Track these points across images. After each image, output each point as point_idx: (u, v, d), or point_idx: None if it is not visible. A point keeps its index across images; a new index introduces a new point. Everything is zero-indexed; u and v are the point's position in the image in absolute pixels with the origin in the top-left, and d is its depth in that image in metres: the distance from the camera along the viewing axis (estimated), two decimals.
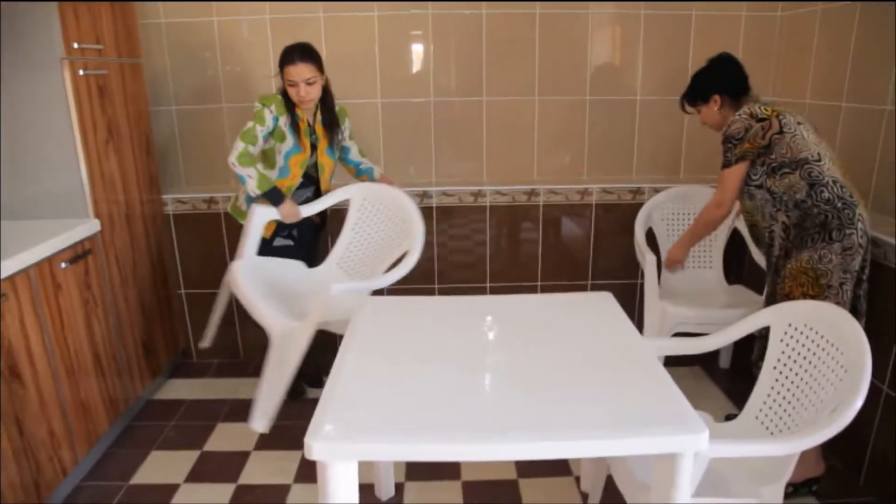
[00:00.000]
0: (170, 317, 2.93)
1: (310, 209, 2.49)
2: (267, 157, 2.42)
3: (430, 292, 3.04)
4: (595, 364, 1.52)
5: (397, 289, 3.02)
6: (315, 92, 2.33)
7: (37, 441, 1.94)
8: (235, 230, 2.92)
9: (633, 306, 3.08)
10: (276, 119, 2.34)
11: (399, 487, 2.15)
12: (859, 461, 2.12)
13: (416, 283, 3.01)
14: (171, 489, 2.16)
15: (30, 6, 2.07)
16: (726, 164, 2.08)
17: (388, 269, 2.41)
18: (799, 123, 2.01)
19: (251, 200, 2.44)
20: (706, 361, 2.96)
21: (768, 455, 1.43)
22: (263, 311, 2.17)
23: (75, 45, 2.18)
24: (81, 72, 2.21)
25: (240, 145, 2.29)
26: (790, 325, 1.67)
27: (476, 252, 3.03)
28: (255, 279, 2.28)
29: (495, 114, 2.99)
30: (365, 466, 2.21)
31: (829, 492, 2.07)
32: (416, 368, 1.50)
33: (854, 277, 1.92)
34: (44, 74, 2.13)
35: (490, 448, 1.21)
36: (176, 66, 2.90)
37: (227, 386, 2.90)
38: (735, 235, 2.84)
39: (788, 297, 1.97)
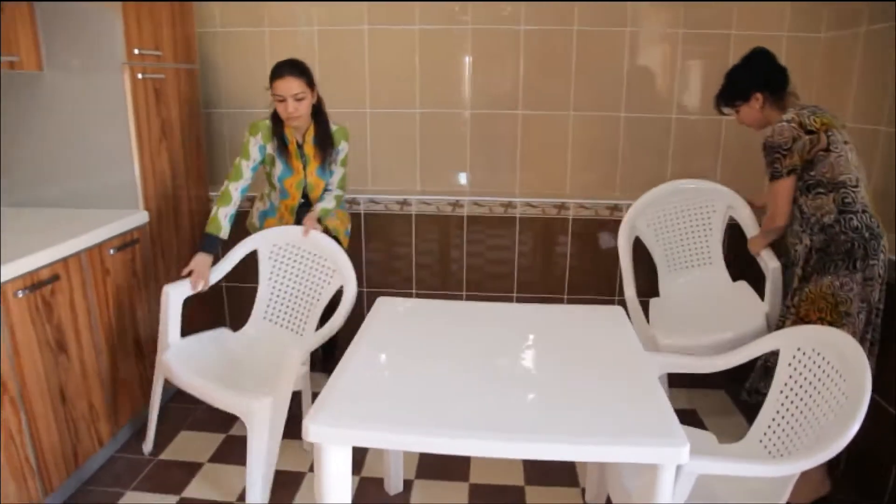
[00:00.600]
0: (210, 306, 3.09)
1: (217, 271, 2.38)
2: (270, 180, 2.50)
3: (458, 300, 3.11)
4: (593, 373, 1.56)
5: (424, 293, 3.11)
6: (303, 109, 2.29)
7: (77, 412, 2.11)
8: None
9: None
10: (262, 149, 2.37)
11: (408, 484, 2.22)
12: (880, 493, 2.06)
13: (444, 290, 3.09)
14: (196, 467, 2.30)
15: (98, 14, 2.27)
16: (776, 176, 2.00)
17: (327, 308, 2.33)
18: (845, 143, 1.97)
19: (263, 218, 2.57)
20: (732, 384, 2.91)
21: (752, 475, 1.44)
22: (224, 395, 1.97)
23: (136, 52, 2.36)
24: (140, 76, 2.40)
25: (226, 181, 2.36)
26: (799, 349, 1.66)
27: (504, 263, 3.08)
28: (190, 365, 2.12)
29: (530, 128, 3.05)
30: (377, 461, 2.30)
31: None
32: (421, 366, 1.58)
33: (870, 307, 1.88)
34: (106, 77, 2.33)
35: (473, 444, 1.27)
36: (229, 71, 3.08)
37: None
38: (734, 228, 2.66)
39: (804, 320, 1.94)
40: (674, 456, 1.23)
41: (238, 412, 1.96)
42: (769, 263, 2.27)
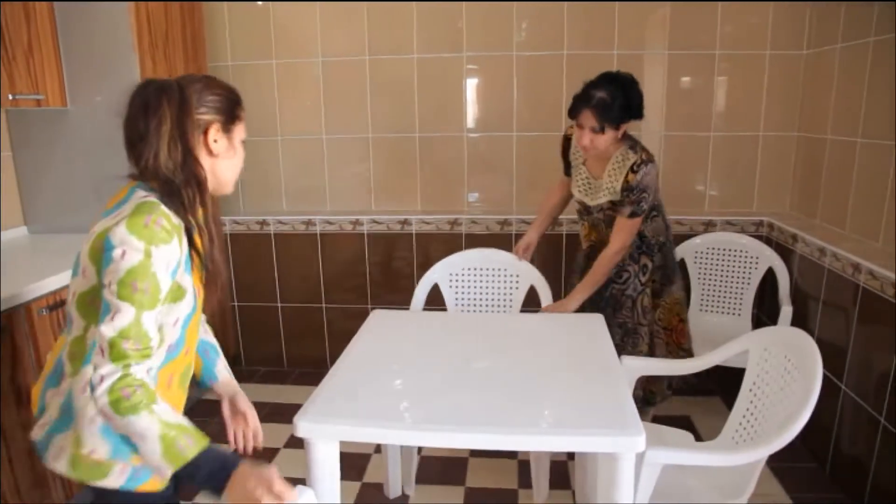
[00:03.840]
0: (223, 326, 3.25)
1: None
2: None
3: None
4: (565, 373, 1.67)
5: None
6: None
7: None
8: (285, 250, 3.25)
9: None
10: None
11: (406, 488, 2.33)
12: (860, 492, 2.12)
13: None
14: None
15: (118, 53, 2.47)
16: (637, 214, 2.09)
17: None
18: None
19: None
20: (727, 391, 2.97)
21: (711, 464, 1.55)
22: None
23: None
24: None
25: None
26: (766, 349, 1.75)
27: None
28: None
29: (524, 148, 3.19)
30: (377, 466, 2.41)
31: None
32: (405, 369, 1.71)
33: None
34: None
35: (449, 437, 1.39)
36: None
37: (270, 391, 3.18)
38: (765, 282, 2.83)
39: (667, 328, 2.27)
40: (630, 445, 1.33)
41: None
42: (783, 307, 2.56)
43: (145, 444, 1.08)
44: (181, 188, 1.17)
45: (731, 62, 3.01)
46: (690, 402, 2.90)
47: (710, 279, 2.91)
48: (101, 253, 1.10)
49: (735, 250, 2.87)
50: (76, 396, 1.13)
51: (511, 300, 2.48)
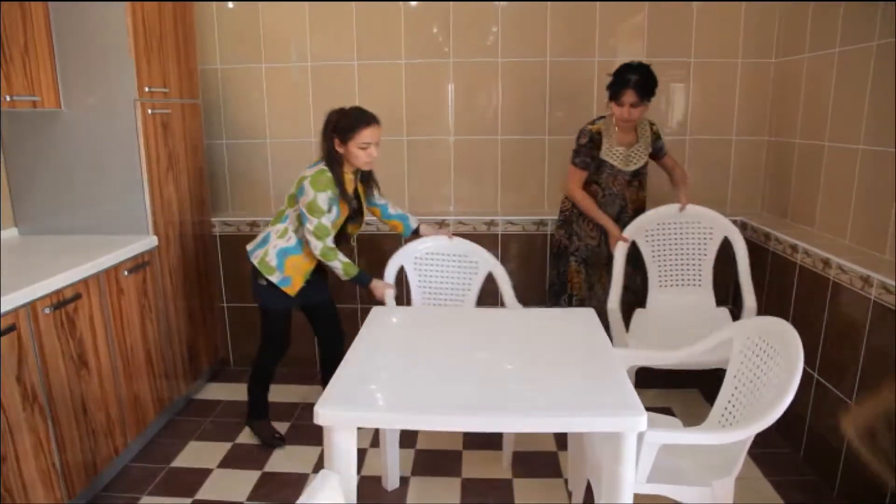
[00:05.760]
0: (213, 326, 3.27)
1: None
2: (299, 223, 2.43)
3: None
4: (565, 361, 1.77)
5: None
6: (377, 153, 2.39)
7: (97, 423, 2.27)
8: None
9: None
10: (331, 201, 2.34)
11: (404, 480, 2.40)
12: (833, 472, 2.27)
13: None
14: (206, 473, 2.46)
15: (113, 55, 2.49)
16: (666, 152, 2.91)
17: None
18: None
19: (283, 255, 2.43)
20: (706, 384, 3.11)
21: (703, 443, 1.66)
22: None
23: (147, 89, 2.58)
24: (150, 111, 2.61)
25: (317, 244, 2.34)
26: (748, 338, 1.88)
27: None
28: None
29: (508, 151, 3.29)
30: (374, 459, 2.47)
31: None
32: (412, 360, 1.78)
33: None
34: (120, 113, 2.54)
35: (460, 421, 1.47)
36: (228, 105, 3.31)
37: None
38: (722, 254, 2.81)
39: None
40: (633, 424, 1.42)
41: None
42: (747, 302, 2.62)
43: (336, 270, 2.40)
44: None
45: (705, 69, 3.17)
46: (672, 395, 3.04)
47: (665, 256, 2.86)
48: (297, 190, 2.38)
49: (689, 222, 2.84)
50: (271, 234, 2.48)
51: (470, 284, 2.66)
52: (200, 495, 2.34)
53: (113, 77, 2.52)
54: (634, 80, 2.57)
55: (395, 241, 3.00)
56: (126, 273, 2.46)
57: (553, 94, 3.22)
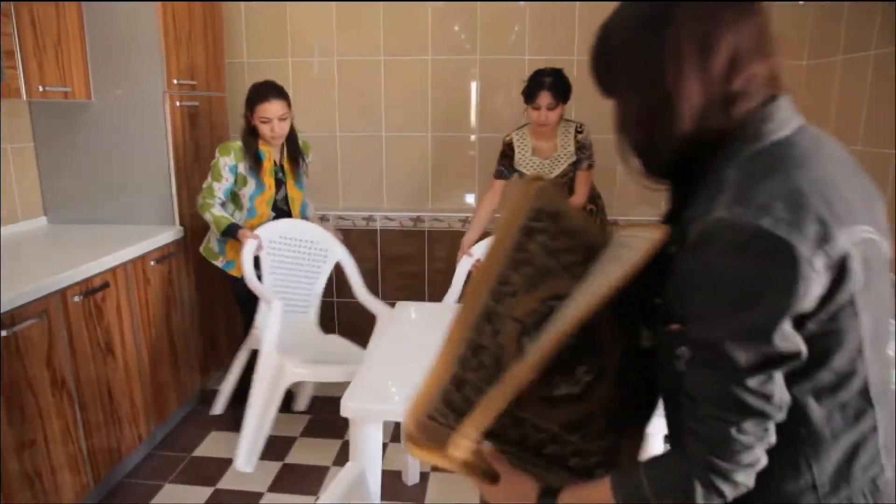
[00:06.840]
0: (234, 318, 3.29)
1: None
2: (236, 200, 2.55)
3: None
4: None
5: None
6: (286, 128, 2.45)
7: (122, 410, 2.30)
8: None
9: None
10: (233, 169, 2.44)
11: (424, 476, 2.40)
12: None
13: None
14: (227, 463, 2.48)
15: (143, 47, 2.51)
16: (592, 166, 2.67)
17: None
18: None
19: (222, 242, 2.58)
20: None
21: None
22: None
23: (175, 82, 2.61)
24: (178, 103, 2.64)
25: (201, 199, 2.47)
26: None
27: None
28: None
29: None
30: (395, 454, 2.48)
31: None
32: (432, 354, 1.78)
33: None
34: (149, 105, 2.57)
35: None
36: None
37: None
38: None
39: None
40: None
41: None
42: None
43: (210, 223, 2.48)
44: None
45: None
46: None
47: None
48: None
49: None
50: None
51: (319, 270, 2.76)
52: (222, 485, 2.36)
53: (142, 69, 2.54)
54: (549, 82, 2.51)
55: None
56: (153, 263, 2.49)
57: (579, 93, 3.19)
